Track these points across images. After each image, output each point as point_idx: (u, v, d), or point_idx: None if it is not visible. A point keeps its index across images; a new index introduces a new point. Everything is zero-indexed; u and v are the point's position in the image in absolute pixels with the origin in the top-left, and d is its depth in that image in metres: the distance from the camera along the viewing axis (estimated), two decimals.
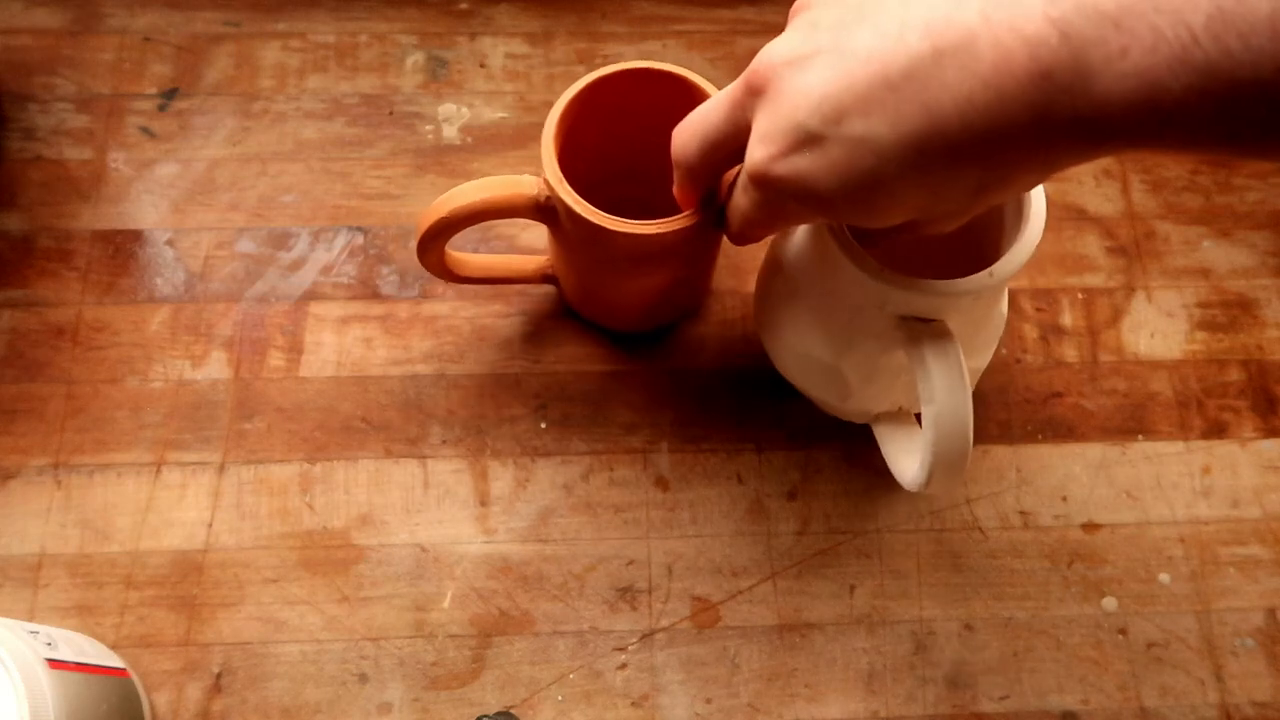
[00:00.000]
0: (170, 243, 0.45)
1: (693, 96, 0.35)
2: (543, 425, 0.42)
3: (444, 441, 0.42)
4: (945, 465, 0.31)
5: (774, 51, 0.26)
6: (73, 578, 0.39)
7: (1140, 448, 0.43)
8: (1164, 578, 0.41)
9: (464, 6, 0.50)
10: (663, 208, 0.34)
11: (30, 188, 0.45)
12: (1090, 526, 0.42)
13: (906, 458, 0.36)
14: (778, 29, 0.27)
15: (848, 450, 0.42)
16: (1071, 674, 0.39)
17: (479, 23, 0.50)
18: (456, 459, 0.41)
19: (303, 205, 0.46)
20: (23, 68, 0.48)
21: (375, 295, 0.44)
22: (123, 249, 0.44)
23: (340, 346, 0.43)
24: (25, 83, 0.47)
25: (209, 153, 0.46)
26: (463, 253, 0.40)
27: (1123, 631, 0.40)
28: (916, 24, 0.23)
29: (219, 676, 0.38)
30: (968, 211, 0.27)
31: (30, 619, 0.38)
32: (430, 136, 0.47)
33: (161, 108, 0.47)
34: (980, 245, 0.35)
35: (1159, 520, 0.42)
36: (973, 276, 0.31)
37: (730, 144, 0.29)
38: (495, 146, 0.47)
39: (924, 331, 0.31)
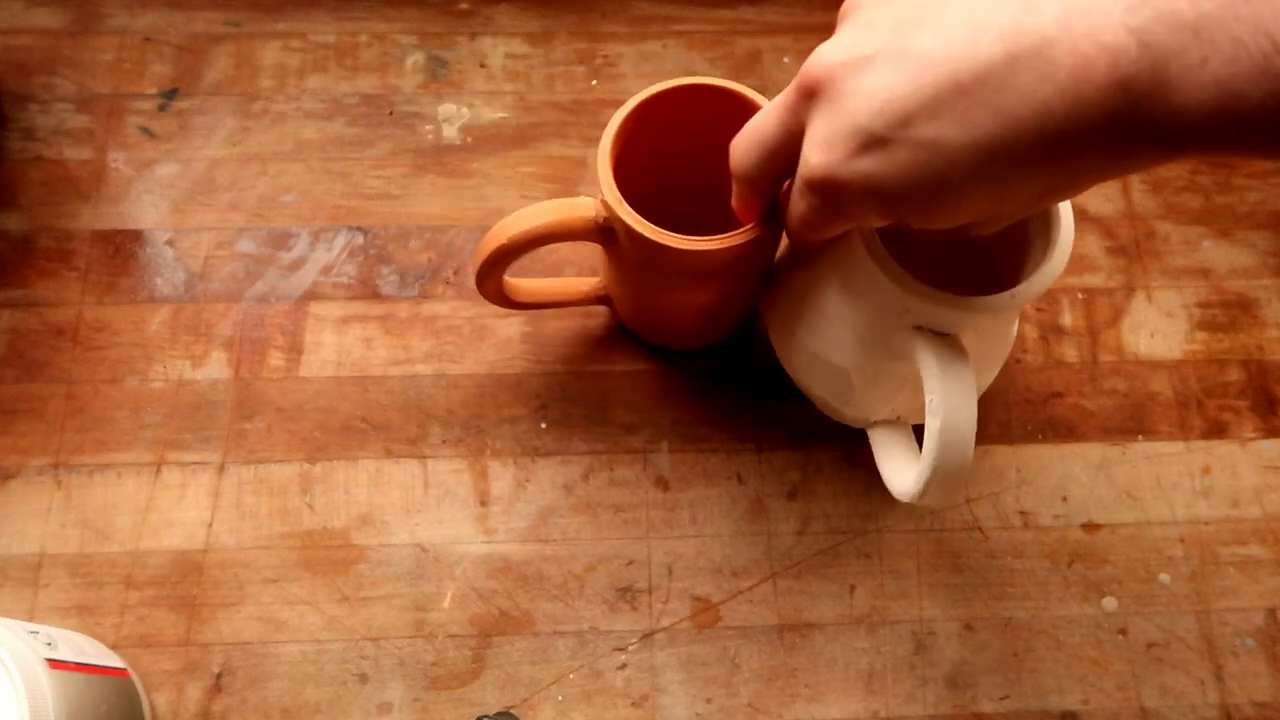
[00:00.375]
0: (170, 243, 0.45)
1: (743, 110, 0.35)
2: (543, 425, 0.42)
3: (444, 441, 0.42)
4: (943, 479, 0.31)
5: (828, 53, 0.25)
6: (73, 578, 0.39)
7: (1140, 448, 0.43)
8: (1164, 578, 0.41)
9: (464, 6, 0.50)
10: (707, 221, 0.34)
11: (30, 188, 0.45)
12: (1090, 526, 0.42)
13: (901, 468, 0.36)
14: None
15: (848, 450, 0.42)
16: (1071, 674, 0.39)
17: (479, 23, 0.50)
18: (456, 459, 0.41)
19: (303, 205, 0.46)
20: (23, 68, 0.48)
21: (375, 295, 0.44)
22: (123, 249, 0.44)
23: (340, 346, 0.43)
24: (25, 83, 0.47)
25: (209, 153, 0.46)
26: (518, 279, 0.40)
27: (1123, 631, 0.40)
28: (988, 28, 0.22)
29: (219, 676, 0.38)
30: (1026, 213, 0.27)
31: (30, 619, 0.38)
32: (430, 136, 0.47)
33: (161, 108, 0.47)
34: (992, 252, 0.35)
35: (1159, 520, 0.42)
36: (997, 296, 0.31)
37: (788, 150, 0.28)
38: (495, 146, 0.47)
39: (939, 344, 0.31)
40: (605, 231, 0.35)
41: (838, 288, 0.34)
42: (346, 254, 0.45)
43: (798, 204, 0.29)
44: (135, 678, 0.37)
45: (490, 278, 0.37)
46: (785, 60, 0.49)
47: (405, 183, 0.46)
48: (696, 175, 0.38)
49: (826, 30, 0.50)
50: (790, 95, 0.27)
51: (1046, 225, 0.32)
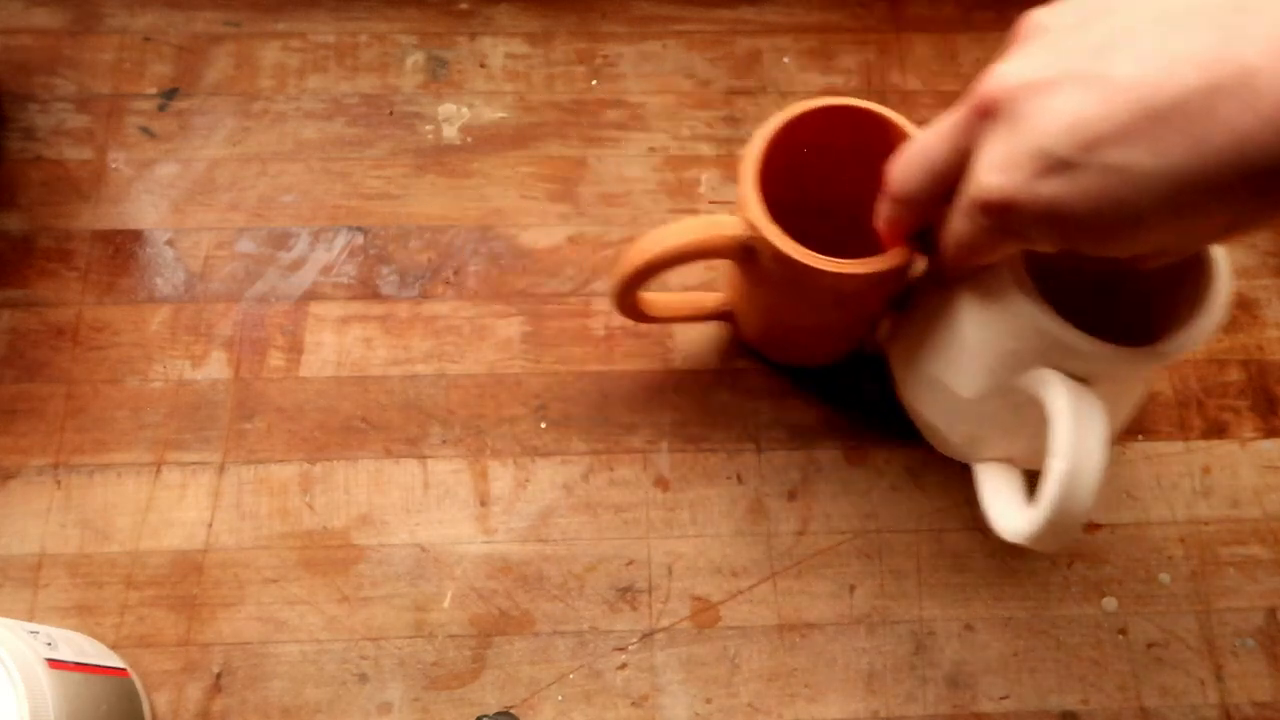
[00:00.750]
0: (170, 243, 0.45)
1: (886, 132, 0.34)
2: (543, 425, 0.42)
3: (444, 441, 0.42)
4: (1060, 526, 0.30)
5: (1008, 73, 0.25)
6: (73, 578, 0.39)
7: (1140, 447, 0.43)
8: (1164, 578, 0.41)
9: (464, 6, 0.50)
10: (829, 238, 0.33)
11: (30, 188, 0.45)
12: (1090, 526, 0.42)
13: (1011, 508, 0.35)
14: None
15: (848, 450, 0.42)
16: (1071, 674, 0.39)
17: (479, 23, 0.50)
18: (456, 459, 0.41)
19: (303, 205, 0.46)
20: (23, 68, 0.48)
21: (375, 295, 0.44)
22: (123, 249, 0.44)
23: (340, 346, 0.43)
24: (25, 83, 0.47)
25: (209, 153, 0.46)
26: (651, 293, 0.40)
27: (1123, 631, 0.40)
28: (1187, 57, 0.22)
29: (219, 676, 0.38)
30: (1205, 244, 0.26)
31: (30, 619, 0.38)
32: (430, 136, 0.47)
33: (161, 108, 0.47)
34: (1130, 295, 0.33)
35: (1159, 520, 0.42)
36: (1148, 349, 0.30)
37: (955, 172, 0.28)
38: (495, 146, 0.47)
39: (1074, 387, 0.30)
40: (746, 250, 0.35)
41: (975, 317, 0.33)
42: (346, 254, 0.45)
43: (962, 226, 0.28)
44: (135, 677, 0.37)
45: (628, 295, 0.37)
46: (785, 60, 0.49)
47: (405, 183, 0.46)
48: (827, 194, 0.38)
49: (827, 30, 0.50)
50: (963, 114, 0.26)
51: (1200, 273, 0.31)
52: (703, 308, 0.41)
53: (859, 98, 0.35)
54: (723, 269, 0.41)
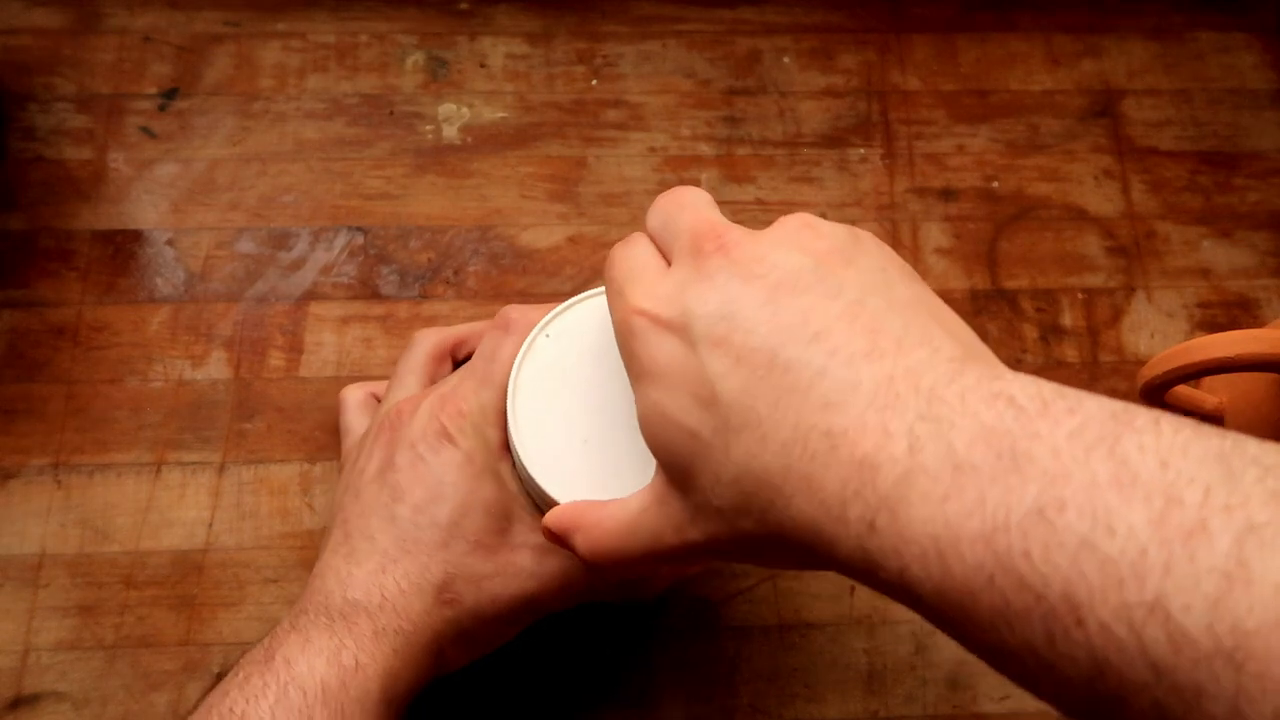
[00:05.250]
0: (170, 243, 0.45)
1: None
2: None
3: None
4: None
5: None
6: (73, 578, 0.39)
7: None
8: None
9: (464, 6, 0.50)
10: None
11: (30, 188, 0.45)
12: None
13: None
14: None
15: None
16: None
17: (479, 23, 0.50)
18: None
19: (303, 205, 0.46)
20: (23, 68, 0.48)
21: (375, 295, 0.44)
22: (123, 249, 0.44)
23: (340, 346, 0.43)
24: (25, 83, 0.47)
25: (209, 153, 0.46)
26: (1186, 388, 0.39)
27: None
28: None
29: (219, 676, 0.38)
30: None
31: (30, 619, 0.38)
32: (430, 136, 0.47)
33: (161, 108, 0.47)
34: None
35: None
36: None
37: None
38: (495, 146, 0.47)
39: None
40: None
41: None
42: (346, 254, 0.45)
43: None
44: None
45: (1164, 391, 0.37)
46: (785, 60, 0.49)
47: (405, 183, 0.46)
48: None
49: (827, 30, 0.50)
50: None
51: None
52: (1201, 407, 0.40)
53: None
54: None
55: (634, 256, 0.28)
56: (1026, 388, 0.21)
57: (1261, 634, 0.16)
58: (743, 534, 0.24)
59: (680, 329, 0.25)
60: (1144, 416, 0.19)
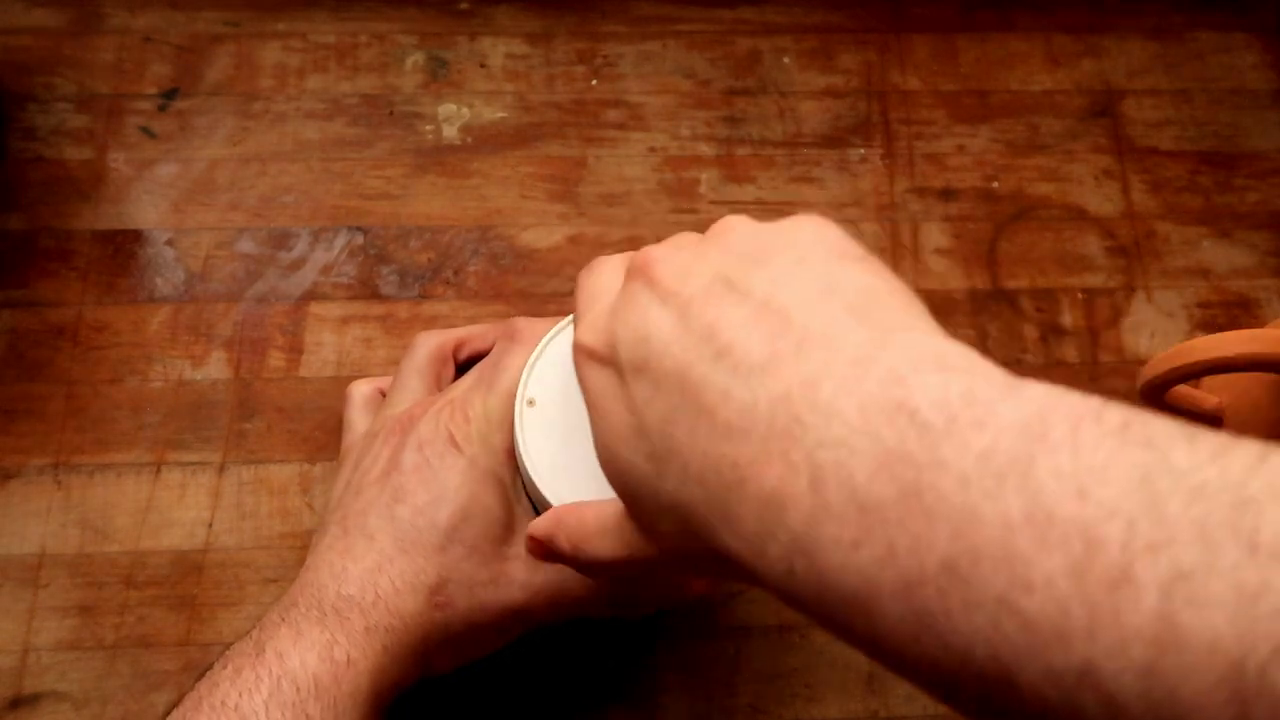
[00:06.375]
0: (170, 243, 0.45)
1: None
2: None
3: None
4: None
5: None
6: (73, 578, 0.39)
7: None
8: None
9: (464, 6, 0.50)
10: None
11: (30, 188, 0.45)
12: None
13: None
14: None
15: None
16: None
17: (479, 23, 0.50)
18: None
19: (303, 205, 0.46)
20: (23, 68, 0.48)
21: (375, 295, 0.44)
22: (123, 249, 0.44)
23: (340, 346, 0.43)
24: (25, 83, 0.47)
25: (209, 153, 0.46)
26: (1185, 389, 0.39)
27: None
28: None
29: None
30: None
31: (30, 619, 0.38)
32: (430, 136, 0.47)
33: (161, 108, 0.47)
34: None
35: None
36: None
37: None
38: (495, 146, 0.47)
39: None
40: None
41: None
42: (346, 254, 0.45)
43: None
44: None
45: (1164, 391, 0.37)
46: (785, 60, 0.49)
47: (405, 183, 0.46)
48: None
49: (827, 30, 0.50)
50: None
51: None
52: (1199, 406, 0.40)
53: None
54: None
55: (586, 288, 0.28)
56: (931, 392, 0.18)
57: (1199, 703, 0.14)
58: (695, 555, 0.23)
59: (610, 360, 0.24)
60: (1060, 427, 0.17)
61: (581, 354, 0.25)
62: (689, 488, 0.21)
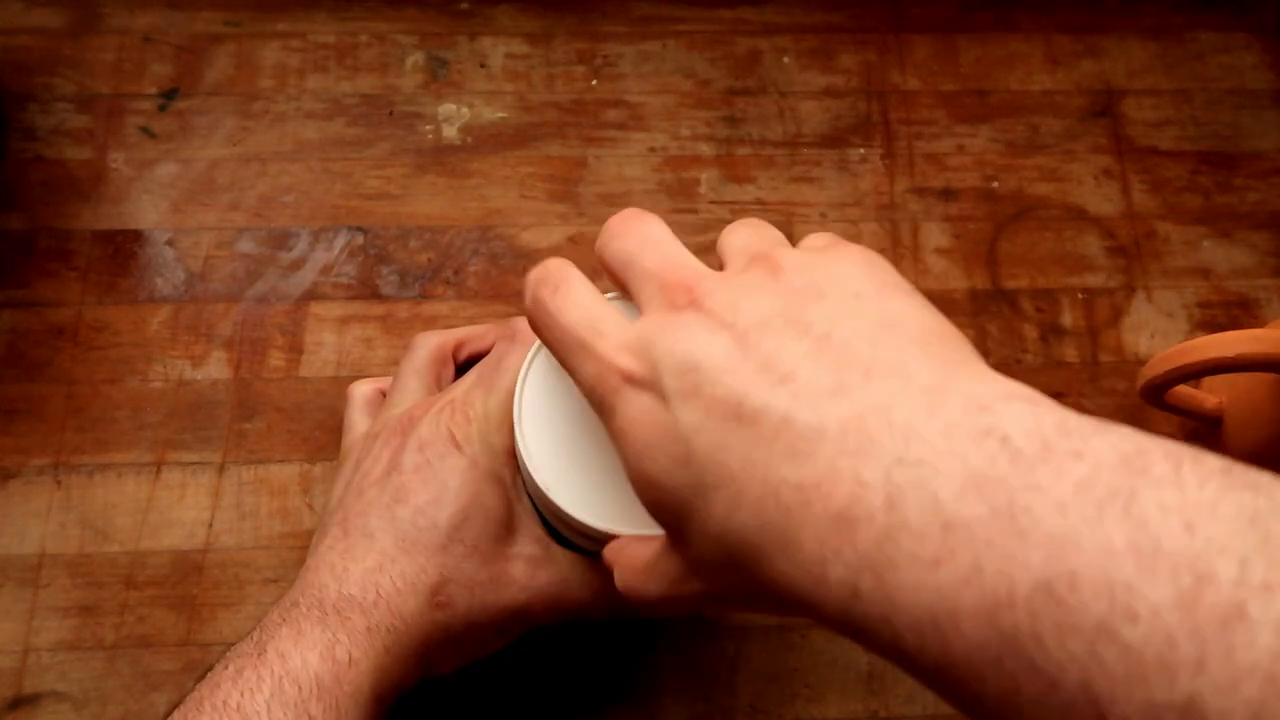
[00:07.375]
0: (170, 243, 0.45)
1: None
2: None
3: None
4: None
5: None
6: (73, 578, 0.39)
7: None
8: None
9: (464, 6, 0.50)
10: None
11: (30, 188, 0.45)
12: None
13: None
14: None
15: None
16: None
17: (479, 23, 0.50)
18: None
19: (303, 205, 0.46)
20: (23, 68, 0.48)
21: (375, 295, 0.44)
22: (123, 249, 0.44)
23: (340, 346, 0.43)
24: (25, 83, 0.47)
25: (209, 153, 0.46)
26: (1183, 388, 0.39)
27: None
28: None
29: None
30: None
31: (30, 619, 0.38)
32: (430, 136, 0.47)
33: (161, 108, 0.47)
34: None
35: None
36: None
37: None
38: (495, 146, 0.47)
39: None
40: None
41: None
42: (346, 254, 0.45)
43: None
44: None
45: (1164, 391, 0.37)
46: (785, 60, 0.49)
47: (405, 183, 0.46)
48: None
49: (827, 30, 0.50)
50: None
51: None
52: (1201, 407, 0.40)
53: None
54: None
55: (582, 306, 0.26)
56: (1023, 421, 0.18)
57: None
58: (739, 588, 0.23)
59: (651, 384, 0.23)
60: (1162, 463, 0.17)
61: (615, 376, 0.24)
62: (740, 516, 0.21)
